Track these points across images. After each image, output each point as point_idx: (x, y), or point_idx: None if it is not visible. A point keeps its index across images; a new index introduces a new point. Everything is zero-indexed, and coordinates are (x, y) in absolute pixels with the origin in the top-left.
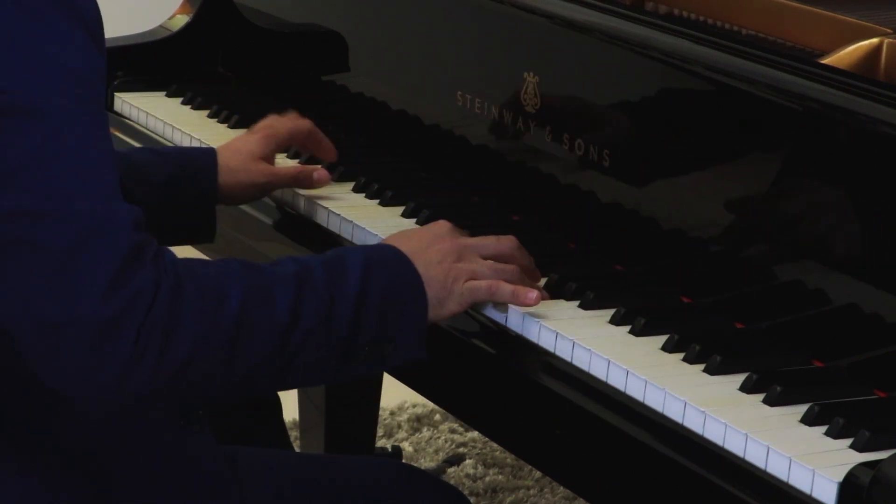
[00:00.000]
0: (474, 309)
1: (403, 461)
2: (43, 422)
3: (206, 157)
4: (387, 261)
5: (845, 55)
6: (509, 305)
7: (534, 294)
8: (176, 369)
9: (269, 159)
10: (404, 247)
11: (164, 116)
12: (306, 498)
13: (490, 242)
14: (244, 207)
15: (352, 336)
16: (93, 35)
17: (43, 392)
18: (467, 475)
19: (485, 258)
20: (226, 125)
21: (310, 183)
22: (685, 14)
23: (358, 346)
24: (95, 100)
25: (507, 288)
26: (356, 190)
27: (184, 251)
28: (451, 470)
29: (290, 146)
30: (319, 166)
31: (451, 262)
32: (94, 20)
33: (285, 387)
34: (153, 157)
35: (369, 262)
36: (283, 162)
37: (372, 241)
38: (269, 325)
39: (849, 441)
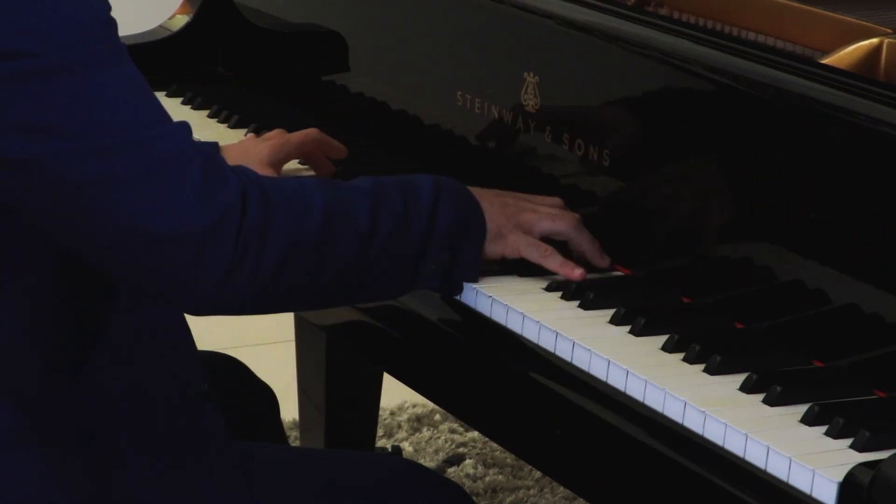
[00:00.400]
0: (474, 308)
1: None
2: (52, 396)
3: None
4: (454, 187)
5: (845, 55)
6: (509, 306)
7: (580, 271)
8: (272, 273)
9: (277, 167)
10: (471, 188)
11: None
12: (312, 492)
13: (551, 214)
14: None
15: (422, 250)
16: None
17: (55, 367)
18: (467, 475)
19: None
20: (226, 125)
21: None
22: (685, 16)
23: (426, 262)
24: (117, 36)
25: (558, 257)
26: None
27: None
28: (451, 470)
29: (300, 156)
30: None
31: (511, 211)
32: None
33: (361, 299)
34: None
35: (438, 184)
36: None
37: None
38: (351, 232)
39: (849, 441)
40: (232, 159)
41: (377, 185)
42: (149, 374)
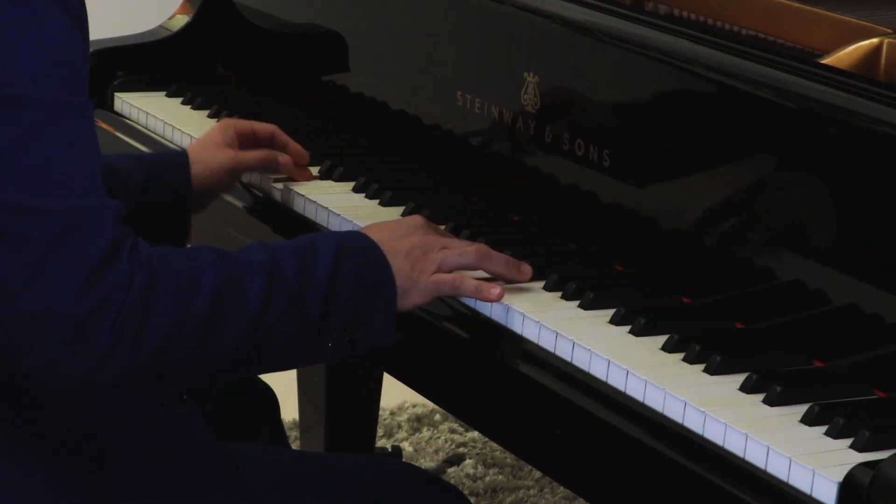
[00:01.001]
0: (474, 308)
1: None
2: (33, 403)
3: (177, 155)
4: (357, 248)
5: (845, 55)
6: (509, 307)
7: (497, 290)
8: (148, 358)
9: (233, 146)
10: (375, 235)
11: (164, 116)
12: (306, 495)
13: (459, 250)
14: (242, 207)
15: (321, 322)
16: (76, 18)
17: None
18: (467, 475)
19: (452, 263)
20: None
21: (275, 167)
22: (685, 14)
23: (327, 332)
24: (81, 86)
25: (471, 283)
26: (356, 190)
27: None
28: (451, 470)
29: (251, 139)
30: (284, 154)
31: (418, 254)
32: (77, 1)
33: (258, 371)
34: (130, 162)
35: (340, 249)
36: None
37: None
38: (241, 312)
39: (849, 441)
40: (194, 152)
41: (273, 257)
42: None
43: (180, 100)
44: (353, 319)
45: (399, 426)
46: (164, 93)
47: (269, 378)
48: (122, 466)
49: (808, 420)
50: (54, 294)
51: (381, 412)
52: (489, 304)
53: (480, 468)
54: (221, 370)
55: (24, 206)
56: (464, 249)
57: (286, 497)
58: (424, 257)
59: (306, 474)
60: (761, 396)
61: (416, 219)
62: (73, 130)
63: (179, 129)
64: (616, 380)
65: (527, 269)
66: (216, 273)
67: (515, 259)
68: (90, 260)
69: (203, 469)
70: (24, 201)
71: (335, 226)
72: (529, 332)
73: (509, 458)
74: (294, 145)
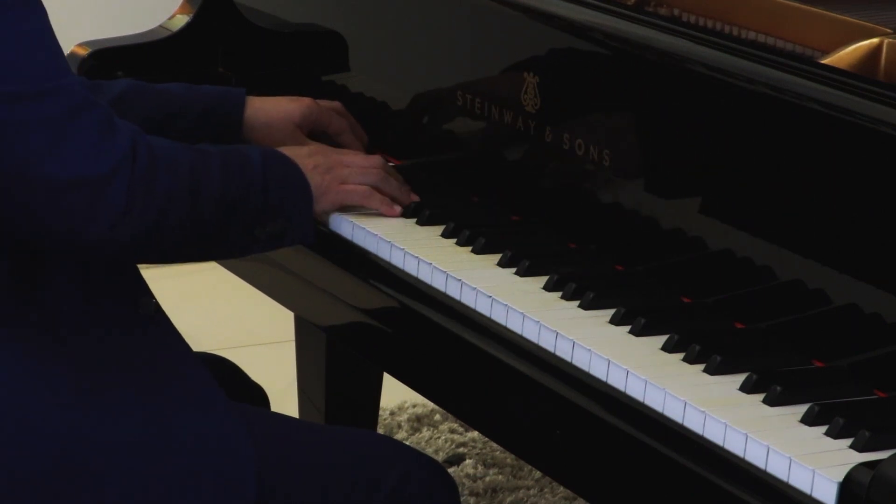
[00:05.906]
0: (474, 308)
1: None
2: (15, 295)
3: (237, 93)
4: (277, 156)
5: (845, 55)
6: (509, 307)
7: (398, 208)
8: (156, 217)
9: (304, 129)
10: (287, 154)
11: None
12: (304, 460)
13: (358, 168)
14: None
15: (258, 216)
16: None
17: (15, 269)
18: (467, 475)
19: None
20: None
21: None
22: (685, 16)
23: (261, 223)
24: None
25: (377, 197)
26: None
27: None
28: (451, 470)
29: (326, 127)
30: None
31: (323, 169)
32: None
33: (214, 253)
34: (187, 91)
35: (265, 155)
36: None
37: (373, 242)
38: (211, 188)
39: (849, 441)
40: (263, 113)
41: (220, 151)
42: (99, 286)
43: None
44: (282, 213)
45: (399, 426)
46: None
47: (268, 378)
48: (98, 360)
49: (808, 420)
50: (77, 162)
51: (381, 412)
52: (489, 303)
53: (480, 468)
54: (194, 244)
55: (37, 93)
56: (365, 166)
57: (291, 461)
58: (331, 171)
59: (303, 441)
60: (761, 396)
61: (315, 144)
62: (42, 16)
63: None
64: (616, 380)
65: (410, 196)
66: (188, 155)
67: (407, 186)
68: (98, 126)
69: (186, 383)
70: (37, 88)
71: (335, 225)
72: (529, 331)
73: (509, 458)
74: (357, 126)
